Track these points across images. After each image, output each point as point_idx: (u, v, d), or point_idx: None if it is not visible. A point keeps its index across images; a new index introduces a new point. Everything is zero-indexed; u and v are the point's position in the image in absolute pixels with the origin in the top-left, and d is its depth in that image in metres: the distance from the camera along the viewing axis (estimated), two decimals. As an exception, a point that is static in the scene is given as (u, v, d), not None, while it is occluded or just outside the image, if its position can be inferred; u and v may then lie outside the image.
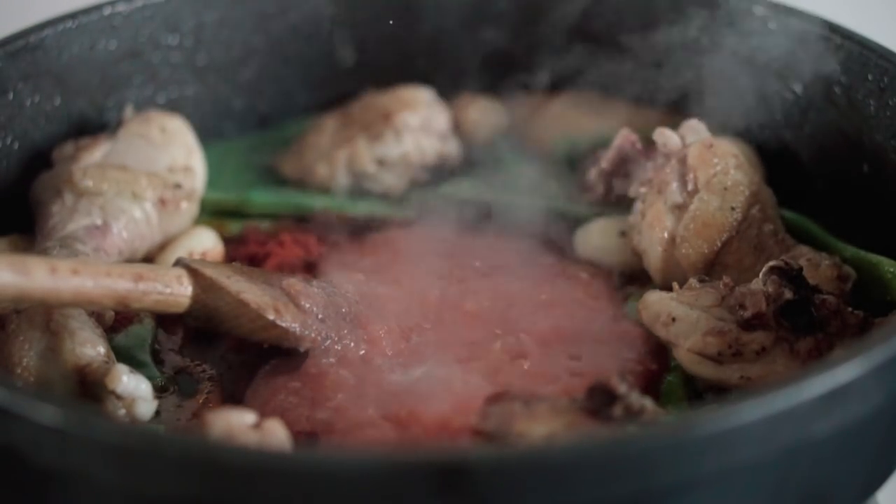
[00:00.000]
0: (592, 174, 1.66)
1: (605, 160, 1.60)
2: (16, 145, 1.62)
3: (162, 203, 1.58)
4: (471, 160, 1.80)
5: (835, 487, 1.24)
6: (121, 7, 1.71)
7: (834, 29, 1.62)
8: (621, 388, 1.18)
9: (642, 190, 1.56)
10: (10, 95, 1.61)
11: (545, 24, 1.84)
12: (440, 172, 1.78)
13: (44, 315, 1.36)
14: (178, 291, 1.37)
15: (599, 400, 1.19)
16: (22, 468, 1.16)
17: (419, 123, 1.75)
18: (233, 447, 1.09)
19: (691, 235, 1.48)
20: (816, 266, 1.45)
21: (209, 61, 1.81)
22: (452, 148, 1.79)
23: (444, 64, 1.87)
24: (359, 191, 1.74)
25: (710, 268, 1.48)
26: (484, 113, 1.84)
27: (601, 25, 1.82)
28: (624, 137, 1.59)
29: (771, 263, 1.37)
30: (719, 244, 1.47)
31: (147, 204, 1.56)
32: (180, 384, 1.44)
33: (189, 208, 1.62)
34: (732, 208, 1.48)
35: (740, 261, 1.47)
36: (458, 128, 1.82)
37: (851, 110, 1.61)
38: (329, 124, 1.80)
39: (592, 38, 1.80)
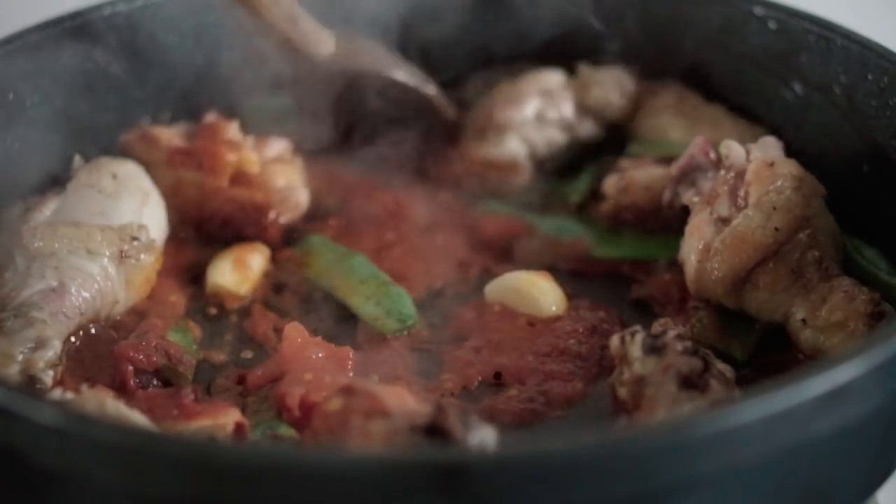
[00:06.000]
0: (607, 184, 1.65)
1: (676, 166, 1.56)
2: (16, 145, 1.62)
3: (121, 256, 1.50)
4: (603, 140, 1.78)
5: (835, 487, 1.24)
6: (121, 7, 1.71)
7: (834, 29, 1.62)
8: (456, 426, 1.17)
9: (695, 199, 1.53)
10: (10, 95, 1.61)
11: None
12: (573, 159, 1.75)
13: None
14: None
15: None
16: (22, 468, 1.16)
17: (529, 117, 1.73)
18: (233, 447, 1.09)
19: (725, 249, 1.45)
20: (851, 299, 1.40)
21: (209, 61, 1.81)
22: (583, 130, 1.76)
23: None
24: (480, 194, 1.72)
25: (741, 286, 1.45)
26: (609, 86, 1.78)
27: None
28: (699, 146, 1.55)
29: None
30: (751, 263, 1.44)
31: (104, 259, 1.49)
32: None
33: (149, 259, 1.55)
34: (776, 228, 1.44)
35: (773, 283, 1.44)
36: (585, 106, 1.77)
37: (851, 110, 1.61)
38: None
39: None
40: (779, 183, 1.46)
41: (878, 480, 1.32)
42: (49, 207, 1.53)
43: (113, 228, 1.51)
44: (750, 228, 1.44)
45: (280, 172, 1.66)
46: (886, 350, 1.15)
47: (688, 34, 1.78)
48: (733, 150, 1.51)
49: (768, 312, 1.45)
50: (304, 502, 1.05)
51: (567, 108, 1.76)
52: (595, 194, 1.69)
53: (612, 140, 1.79)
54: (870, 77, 1.57)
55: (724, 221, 1.46)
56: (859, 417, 1.17)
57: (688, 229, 1.50)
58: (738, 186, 1.47)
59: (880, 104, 1.56)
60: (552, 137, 1.75)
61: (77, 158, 1.62)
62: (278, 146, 1.70)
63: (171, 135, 1.66)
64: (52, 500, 1.16)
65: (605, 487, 1.06)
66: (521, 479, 1.04)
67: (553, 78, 1.77)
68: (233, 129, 1.67)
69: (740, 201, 1.46)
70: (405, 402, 1.23)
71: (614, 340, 1.36)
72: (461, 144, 1.76)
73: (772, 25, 1.69)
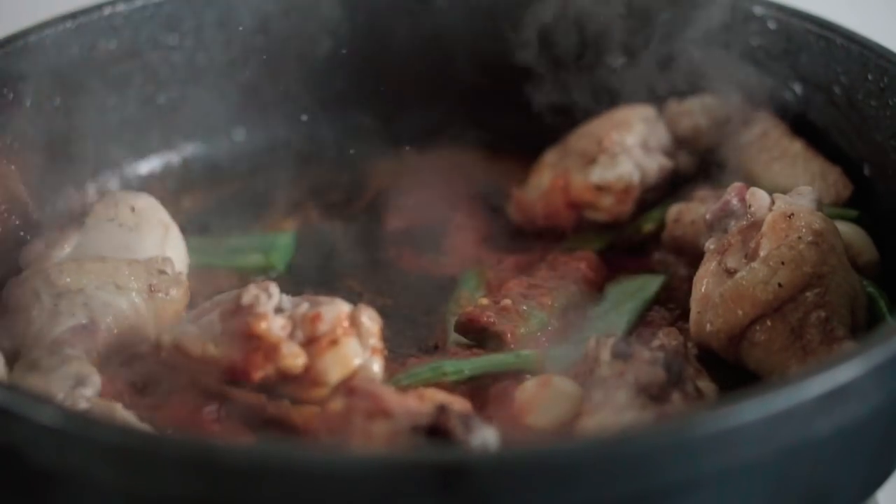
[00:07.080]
0: (669, 212, 1.60)
1: (710, 211, 1.48)
2: (15, 145, 1.62)
3: (150, 291, 1.44)
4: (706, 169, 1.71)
5: (835, 487, 1.24)
6: (121, 7, 1.71)
7: (834, 29, 1.62)
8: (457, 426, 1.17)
9: (711, 247, 1.46)
10: (10, 95, 1.61)
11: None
12: (673, 189, 1.69)
13: None
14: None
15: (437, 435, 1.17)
16: (22, 468, 1.16)
17: (636, 142, 1.67)
18: (233, 447, 1.09)
19: (721, 303, 1.38)
20: None
21: (209, 61, 1.81)
22: (682, 162, 1.70)
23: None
24: (583, 224, 1.68)
25: (738, 341, 1.38)
26: (698, 114, 1.72)
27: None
28: (735, 190, 1.47)
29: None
30: (747, 320, 1.37)
31: (132, 294, 1.43)
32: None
33: (179, 293, 1.47)
34: (780, 285, 1.35)
35: (770, 342, 1.37)
36: (677, 137, 1.72)
37: (851, 110, 1.61)
38: (548, 160, 1.73)
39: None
40: (794, 236, 1.37)
41: (878, 480, 1.32)
42: (70, 243, 1.49)
43: (140, 262, 1.47)
44: (751, 283, 1.36)
45: (331, 361, 1.32)
46: (886, 350, 1.15)
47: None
48: (757, 198, 1.44)
49: (765, 371, 1.37)
50: (304, 502, 1.05)
51: (666, 137, 1.70)
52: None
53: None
54: (870, 77, 1.57)
55: (731, 273, 1.39)
56: (859, 417, 1.17)
57: (695, 277, 1.44)
58: (752, 237, 1.41)
59: (880, 104, 1.56)
60: (660, 163, 1.68)
61: (92, 190, 1.62)
62: (333, 311, 1.34)
63: (202, 343, 1.40)
64: (52, 500, 1.17)
65: (605, 487, 1.06)
66: (522, 479, 1.04)
67: (646, 110, 1.71)
68: (267, 323, 1.32)
69: (751, 253, 1.39)
70: (407, 402, 1.23)
71: (591, 341, 1.33)
72: (553, 177, 1.70)
73: (772, 25, 1.69)
